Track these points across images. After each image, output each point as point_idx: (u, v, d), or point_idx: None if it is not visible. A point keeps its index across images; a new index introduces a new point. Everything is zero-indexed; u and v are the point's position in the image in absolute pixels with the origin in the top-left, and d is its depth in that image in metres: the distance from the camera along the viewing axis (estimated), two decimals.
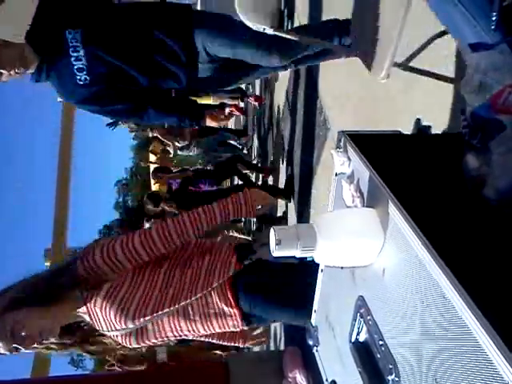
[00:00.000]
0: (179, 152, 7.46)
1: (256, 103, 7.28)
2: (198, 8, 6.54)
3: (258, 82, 7.64)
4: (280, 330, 5.71)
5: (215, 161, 7.18)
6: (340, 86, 3.73)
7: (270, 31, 2.28)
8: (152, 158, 8.99)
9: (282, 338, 5.57)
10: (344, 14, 3.49)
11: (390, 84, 2.64)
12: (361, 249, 1.06)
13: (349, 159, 1.23)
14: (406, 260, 0.94)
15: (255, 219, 5.97)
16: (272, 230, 1.07)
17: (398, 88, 2.53)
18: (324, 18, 4.14)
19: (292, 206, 5.19)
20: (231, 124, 9.53)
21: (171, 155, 7.74)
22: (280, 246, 1.06)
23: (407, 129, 2.29)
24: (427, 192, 1.11)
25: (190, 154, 7.49)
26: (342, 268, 1.21)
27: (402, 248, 0.96)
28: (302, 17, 4.98)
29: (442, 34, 1.97)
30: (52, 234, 9.38)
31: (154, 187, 8.74)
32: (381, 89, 2.72)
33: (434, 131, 2.05)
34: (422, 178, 1.17)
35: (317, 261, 1.10)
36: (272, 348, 5.87)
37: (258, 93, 8.02)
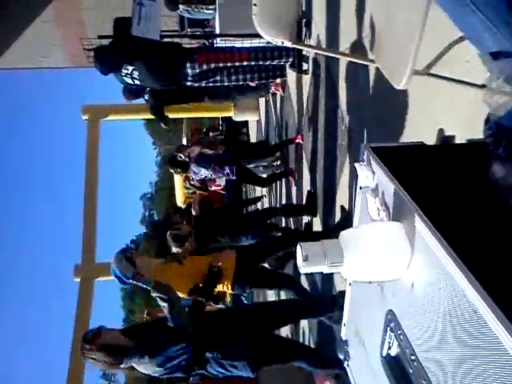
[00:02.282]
0: None
1: (279, 91, 7.22)
2: (217, 23, 6.52)
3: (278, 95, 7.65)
4: (310, 340, 5.66)
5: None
6: (360, 95, 3.71)
7: (288, 44, 2.30)
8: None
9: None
10: (361, 21, 3.50)
11: (411, 92, 2.62)
12: (388, 263, 1.05)
13: (373, 172, 1.23)
14: (435, 273, 0.93)
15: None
16: (299, 247, 1.08)
17: (419, 96, 2.51)
18: (341, 25, 4.14)
19: (317, 218, 5.16)
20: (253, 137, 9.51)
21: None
22: (307, 262, 1.07)
23: (430, 139, 2.26)
24: (453, 203, 1.11)
25: None
26: (370, 282, 1.21)
27: (430, 261, 0.95)
28: (319, 26, 4.99)
29: (462, 39, 1.95)
30: (81, 250, 9.48)
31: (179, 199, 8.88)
32: (401, 97, 2.70)
33: (457, 141, 2.02)
34: (447, 189, 1.16)
35: (344, 276, 1.10)
36: None
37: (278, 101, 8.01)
